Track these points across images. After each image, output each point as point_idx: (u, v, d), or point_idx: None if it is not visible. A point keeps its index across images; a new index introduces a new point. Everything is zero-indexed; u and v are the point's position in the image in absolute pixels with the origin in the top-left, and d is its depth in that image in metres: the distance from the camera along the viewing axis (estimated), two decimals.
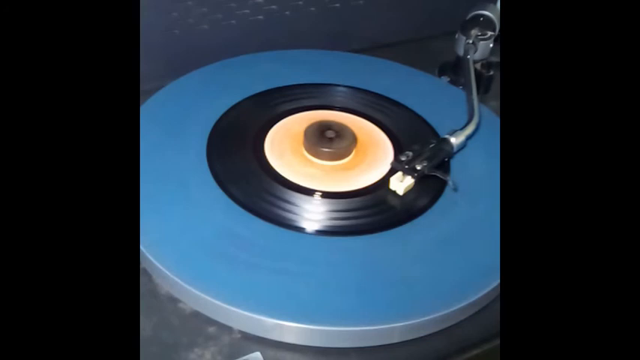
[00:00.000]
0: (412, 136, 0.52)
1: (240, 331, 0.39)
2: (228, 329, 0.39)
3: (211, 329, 0.39)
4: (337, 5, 0.66)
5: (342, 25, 0.67)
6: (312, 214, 0.45)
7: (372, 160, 0.50)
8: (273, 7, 0.63)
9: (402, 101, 0.56)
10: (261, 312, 0.38)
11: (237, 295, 0.39)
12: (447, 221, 0.45)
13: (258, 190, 0.46)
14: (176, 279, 0.39)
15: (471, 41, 0.57)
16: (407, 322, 0.38)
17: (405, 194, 0.47)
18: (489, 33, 0.58)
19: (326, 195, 0.46)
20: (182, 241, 0.42)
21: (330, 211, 0.45)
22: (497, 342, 0.40)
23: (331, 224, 0.44)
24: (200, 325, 0.39)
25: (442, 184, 0.47)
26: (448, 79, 0.61)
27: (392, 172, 0.48)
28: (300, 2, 0.64)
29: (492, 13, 0.59)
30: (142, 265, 0.42)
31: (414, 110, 0.55)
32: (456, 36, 0.60)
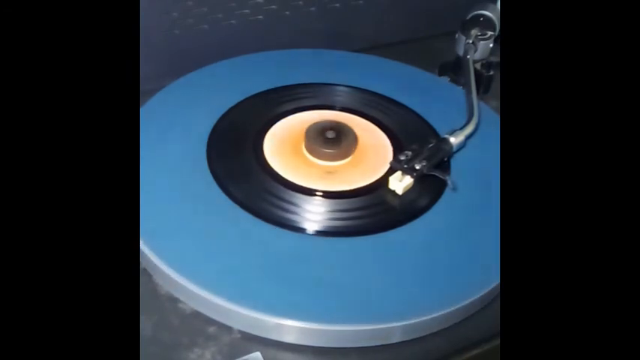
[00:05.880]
0: (412, 136, 0.52)
1: (240, 331, 0.39)
2: (228, 329, 0.39)
3: (211, 329, 0.39)
4: (337, 5, 0.66)
5: (342, 25, 0.67)
6: (312, 214, 0.45)
7: (373, 160, 0.50)
8: (273, 7, 0.63)
9: (402, 101, 0.56)
10: (261, 312, 0.38)
11: (237, 294, 0.39)
12: (446, 221, 0.45)
13: (258, 190, 0.46)
14: (176, 279, 0.39)
15: (470, 41, 0.57)
16: (407, 322, 0.38)
17: (404, 194, 0.47)
18: (489, 33, 0.58)
19: (326, 195, 0.46)
20: (182, 241, 0.42)
21: (330, 211, 0.45)
22: (497, 342, 0.40)
23: (331, 224, 0.44)
24: (200, 325, 0.39)
25: (441, 184, 0.47)
26: (448, 79, 0.61)
27: (391, 171, 0.48)
28: (300, 2, 0.64)
29: (492, 13, 0.59)
30: (142, 265, 0.42)
31: (414, 110, 0.55)
32: (456, 36, 0.60)
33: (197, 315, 0.40)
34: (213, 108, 0.53)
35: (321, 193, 0.46)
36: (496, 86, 0.61)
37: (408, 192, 0.47)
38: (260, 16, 0.63)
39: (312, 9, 0.65)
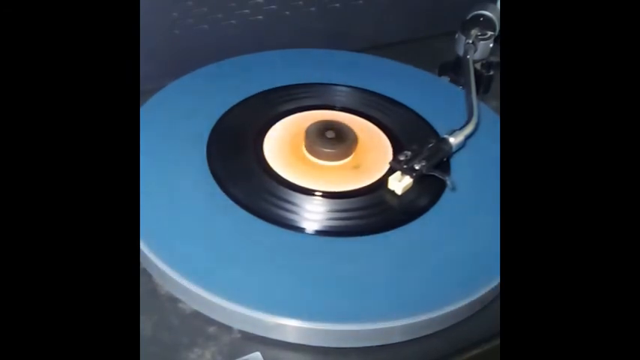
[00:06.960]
0: (412, 136, 0.52)
1: (240, 331, 0.39)
2: (228, 329, 0.39)
3: (211, 329, 0.39)
4: (337, 5, 0.66)
5: (342, 25, 0.67)
6: (312, 214, 0.45)
7: (373, 160, 0.50)
8: (273, 7, 0.63)
9: (402, 101, 0.56)
10: (262, 311, 0.38)
11: (237, 294, 0.39)
12: (445, 221, 0.45)
13: (258, 190, 0.46)
14: (176, 279, 0.40)
15: (470, 41, 0.57)
16: (407, 322, 0.38)
17: (403, 194, 0.47)
18: (489, 33, 0.58)
19: (326, 195, 0.46)
20: (182, 240, 0.42)
21: (330, 211, 0.45)
22: (497, 342, 0.40)
23: (331, 224, 0.44)
24: (200, 325, 0.39)
25: (441, 184, 0.47)
26: (448, 79, 0.61)
27: (391, 171, 0.48)
28: (300, 2, 0.64)
29: (492, 13, 0.59)
30: (142, 265, 0.42)
31: (414, 110, 0.55)
32: (456, 36, 0.60)
33: (197, 315, 0.40)
34: (214, 108, 0.53)
35: (320, 193, 0.46)
36: (496, 86, 0.61)
37: (407, 192, 0.47)
38: (260, 16, 0.63)
39: (312, 9, 0.65)
